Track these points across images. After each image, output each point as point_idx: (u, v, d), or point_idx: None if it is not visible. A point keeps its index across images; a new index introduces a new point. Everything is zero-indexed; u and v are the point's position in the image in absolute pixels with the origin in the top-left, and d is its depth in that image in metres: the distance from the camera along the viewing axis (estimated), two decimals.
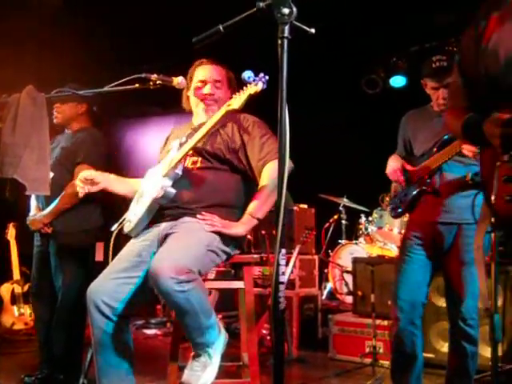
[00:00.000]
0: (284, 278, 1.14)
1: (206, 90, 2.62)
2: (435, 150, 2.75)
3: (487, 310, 2.23)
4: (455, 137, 2.16)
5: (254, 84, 2.21)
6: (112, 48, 5.21)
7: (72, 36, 4.87)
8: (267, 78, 2.18)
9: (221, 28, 1.32)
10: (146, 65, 4.39)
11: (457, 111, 1.76)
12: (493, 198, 1.45)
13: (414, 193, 2.81)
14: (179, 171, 2.40)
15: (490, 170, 1.58)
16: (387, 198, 5.07)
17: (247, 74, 2.20)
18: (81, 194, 2.57)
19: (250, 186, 2.54)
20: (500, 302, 3.40)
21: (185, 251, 2.17)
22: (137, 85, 2.48)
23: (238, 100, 2.29)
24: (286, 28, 1.22)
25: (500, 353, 3.39)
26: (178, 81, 2.55)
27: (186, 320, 2.13)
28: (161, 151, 2.75)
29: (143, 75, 2.47)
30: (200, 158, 2.49)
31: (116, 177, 2.67)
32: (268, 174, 2.40)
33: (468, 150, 2.45)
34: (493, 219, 1.50)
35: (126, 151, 7.45)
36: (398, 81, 6.62)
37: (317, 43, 5.79)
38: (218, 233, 2.33)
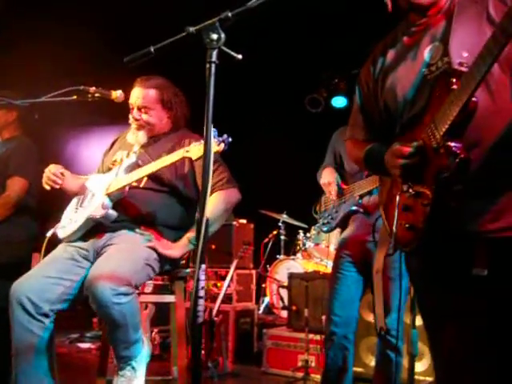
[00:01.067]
0: (203, 293, 1.19)
1: (133, 114, 2.66)
2: (366, 173, 2.89)
3: (381, 329, 2.36)
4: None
5: (217, 144, 2.21)
6: (52, 56, 5.14)
7: (11, 41, 4.79)
8: (230, 139, 2.20)
9: (152, 49, 1.37)
10: (86, 76, 4.37)
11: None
12: (394, 225, 1.54)
13: (346, 211, 2.92)
14: (121, 194, 2.43)
15: (389, 199, 1.68)
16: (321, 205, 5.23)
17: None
18: (48, 188, 2.56)
19: (191, 209, 2.57)
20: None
21: (124, 263, 2.18)
22: (74, 96, 2.49)
23: (197, 152, 2.29)
24: (214, 53, 1.28)
25: (426, 366, 3.54)
26: (117, 94, 2.57)
27: (115, 333, 2.13)
28: (105, 155, 2.75)
29: (81, 87, 2.49)
30: (145, 178, 2.51)
31: (70, 174, 2.66)
32: (213, 204, 2.44)
33: None
34: (392, 244, 1.59)
35: (67, 161, 7.31)
36: (339, 101, 6.82)
37: (263, 62, 5.96)
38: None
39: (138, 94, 2.64)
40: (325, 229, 3.14)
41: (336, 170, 3.13)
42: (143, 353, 2.21)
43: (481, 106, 1.36)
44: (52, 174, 2.51)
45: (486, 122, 1.41)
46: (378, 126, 1.79)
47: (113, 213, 2.39)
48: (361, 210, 2.88)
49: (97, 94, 2.51)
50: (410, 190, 1.50)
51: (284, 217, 5.89)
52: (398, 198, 1.55)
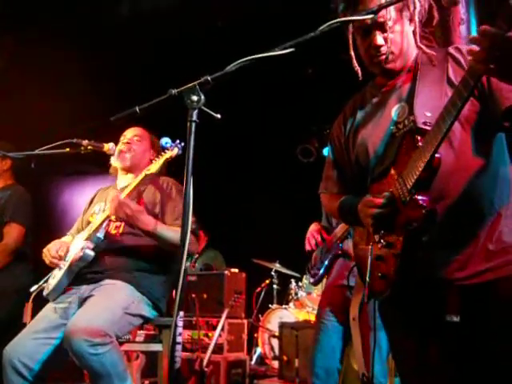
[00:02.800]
0: (180, 339, 1.24)
1: (125, 140, 2.78)
2: None
3: (363, 375, 2.38)
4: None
5: (171, 149, 2.37)
6: (46, 107, 5.29)
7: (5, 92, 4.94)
8: (183, 144, 2.34)
9: (137, 109, 1.47)
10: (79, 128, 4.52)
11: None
12: (367, 275, 1.60)
13: (329, 257, 2.99)
14: (101, 235, 2.48)
15: (362, 249, 1.75)
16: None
17: (164, 141, 2.37)
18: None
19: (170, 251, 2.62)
20: None
21: (101, 314, 2.21)
22: (68, 149, 2.59)
23: (155, 165, 2.45)
24: (195, 113, 1.38)
25: None
26: (109, 147, 2.68)
27: (99, 383, 2.14)
28: (84, 212, 2.82)
29: (74, 140, 2.59)
30: (123, 224, 2.57)
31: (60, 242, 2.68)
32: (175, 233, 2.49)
33: None
34: (365, 292, 1.65)
35: (61, 209, 7.37)
36: None
37: (255, 115, 6.12)
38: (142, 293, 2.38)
39: (133, 129, 2.81)
40: (312, 281, 3.21)
41: (327, 223, 3.23)
42: None
43: (445, 162, 1.45)
44: (52, 257, 2.54)
45: (450, 177, 1.50)
46: (350, 179, 1.89)
47: (89, 252, 2.44)
48: (341, 252, 2.95)
49: (89, 147, 2.62)
50: (382, 241, 1.57)
51: (277, 266, 5.91)
52: (370, 248, 1.62)
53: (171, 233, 2.45)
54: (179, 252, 1.26)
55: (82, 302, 2.40)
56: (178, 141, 2.42)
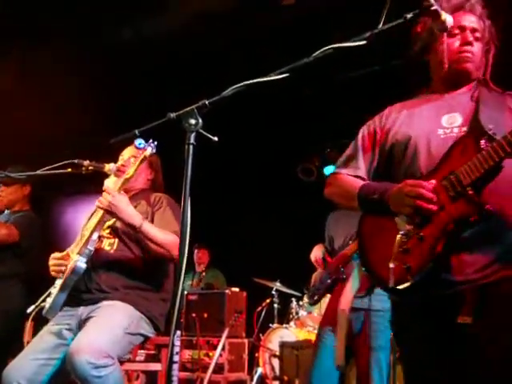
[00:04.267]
0: (177, 358, 1.26)
1: (120, 163, 2.78)
2: (350, 242, 3.03)
3: (339, 366, 2.40)
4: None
5: (143, 150, 2.40)
6: (46, 126, 5.35)
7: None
8: (156, 143, 2.40)
9: (136, 132, 1.51)
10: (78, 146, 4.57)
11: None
12: (391, 264, 1.58)
13: (329, 280, 3.03)
14: (91, 247, 2.47)
15: (375, 238, 1.73)
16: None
17: (138, 142, 2.40)
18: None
19: (165, 265, 2.65)
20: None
21: (103, 336, 2.21)
22: (69, 169, 2.62)
23: (132, 168, 2.46)
24: (192, 136, 1.42)
25: None
26: (110, 167, 2.70)
27: None
28: (83, 228, 2.84)
29: (76, 161, 2.62)
30: (116, 240, 2.59)
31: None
32: (170, 234, 2.52)
33: None
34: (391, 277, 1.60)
35: (64, 228, 7.40)
36: (331, 170, 6.96)
37: (257, 132, 6.17)
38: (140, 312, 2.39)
39: (130, 149, 2.82)
40: (311, 301, 3.25)
41: (329, 246, 3.28)
42: None
43: (505, 173, 1.51)
44: (53, 265, 2.56)
45: (502, 185, 1.55)
46: (371, 170, 1.87)
47: (81, 265, 2.43)
48: (342, 277, 2.98)
49: (90, 167, 2.64)
50: (417, 233, 1.57)
51: (277, 285, 5.90)
52: (398, 237, 1.60)
53: (157, 232, 2.48)
54: (175, 271, 1.28)
55: (81, 323, 2.41)
56: (150, 140, 2.43)
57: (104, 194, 2.42)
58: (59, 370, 2.34)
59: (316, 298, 3.17)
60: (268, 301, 5.99)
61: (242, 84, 1.38)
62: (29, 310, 2.54)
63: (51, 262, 2.56)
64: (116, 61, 4.82)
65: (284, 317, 5.95)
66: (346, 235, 3.10)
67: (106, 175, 2.80)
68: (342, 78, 5.19)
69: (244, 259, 6.50)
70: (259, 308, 5.94)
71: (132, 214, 2.43)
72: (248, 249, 6.70)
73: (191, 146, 1.40)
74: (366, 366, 2.77)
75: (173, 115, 1.44)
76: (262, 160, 6.78)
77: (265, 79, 1.40)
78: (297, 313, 5.50)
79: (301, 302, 5.56)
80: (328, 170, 7.00)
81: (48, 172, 2.61)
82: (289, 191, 7.04)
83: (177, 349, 1.24)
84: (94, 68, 4.84)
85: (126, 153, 2.85)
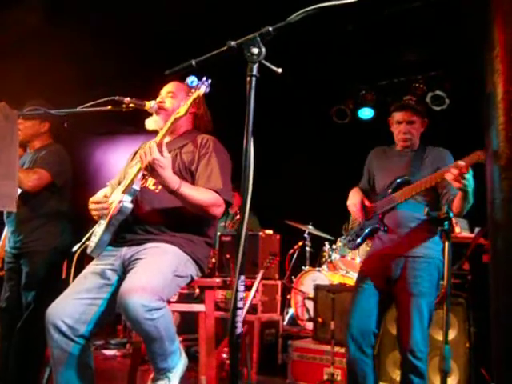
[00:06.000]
0: (241, 304, 1.19)
1: (158, 99, 2.66)
2: (389, 191, 2.92)
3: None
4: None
5: (197, 88, 2.25)
6: (88, 65, 5.23)
7: (47, 54, 4.89)
8: (210, 81, 2.23)
9: (193, 63, 1.39)
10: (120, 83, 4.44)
11: None
12: None
13: (368, 229, 2.96)
14: (136, 186, 2.39)
15: None
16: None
17: (190, 79, 2.23)
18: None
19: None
20: (455, 334, 3.49)
21: (154, 278, 2.16)
22: (109, 107, 2.53)
23: (184, 107, 2.32)
24: (255, 67, 1.29)
25: (455, 382, 3.48)
26: (151, 104, 2.60)
27: (151, 346, 2.13)
28: (125, 167, 2.76)
29: (116, 98, 2.52)
30: None
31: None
32: (209, 192, 2.42)
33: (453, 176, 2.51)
34: None
35: (94, 169, 7.41)
36: (365, 113, 6.81)
37: (291, 72, 5.97)
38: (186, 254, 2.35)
39: (168, 85, 2.69)
40: (350, 246, 3.18)
41: (369, 189, 3.16)
42: (180, 364, 2.21)
43: None
44: (95, 208, 2.49)
45: None
46: None
47: (127, 205, 2.35)
48: (382, 228, 2.90)
49: (131, 105, 2.54)
50: None
51: (310, 228, 5.86)
52: None
53: (195, 193, 2.36)
54: (241, 212, 1.19)
55: (126, 264, 2.37)
56: (204, 78, 2.25)
57: (146, 150, 2.27)
58: (105, 311, 2.33)
59: (355, 245, 3.09)
60: (300, 244, 5.98)
61: (314, 7, 1.24)
62: (74, 249, 2.51)
63: (91, 206, 2.50)
64: None
65: (316, 260, 5.95)
66: (390, 178, 2.96)
67: (141, 114, 2.69)
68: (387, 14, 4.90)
69: (276, 202, 6.44)
70: (291, 251, 5.94)
71: (169, 177, 2.29)
72: (280, 191, 6.63)
73: (254, 79, 1.28)
74: (406, 312, 2.73)
75: (233, 43, 1.32)
76: (295, 100, 6.60)
77: (335, 3, 1.25)
78: (329, 256, 5.48)
79: (334, 246, 5.53)
80: (362, 112, 6.80)
81: (88, 109, 2.52)
82: (322, 133, 6.89)
83: (241, 294, 1.17)
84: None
85: (163, 90, 2.73)
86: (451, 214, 2.31)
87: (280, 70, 1.33)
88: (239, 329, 1.18)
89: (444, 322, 2.27)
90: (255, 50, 1.30)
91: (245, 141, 1.26)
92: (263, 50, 1.30)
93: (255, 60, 1.30)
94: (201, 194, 2.37)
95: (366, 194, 3.12)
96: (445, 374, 2.09)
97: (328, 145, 6.81)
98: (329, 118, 6.98)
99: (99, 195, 2.58)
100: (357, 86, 6.80)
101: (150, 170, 2.26)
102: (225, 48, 1.34)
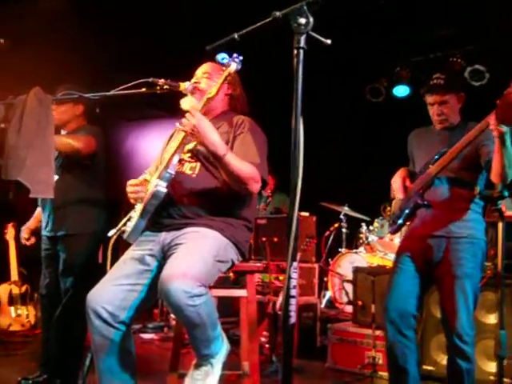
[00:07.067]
0: (294, 292, 1.13)
1: (193, 80, 2.58)
2: (429, 167, 2.79)
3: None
4: None
5: (228, 65, 2.18)
6: (119, 49, 5.20)
7: (76, 39, 4.88)
8: (241, 58, 2.16)
9: (236, 36, 1.31)
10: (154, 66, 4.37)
11: None
12: None
13: (410, 206, 2.84)
14: (171, 171, 2.32)
15: None
16: (389, 208, 5.08)
17: (221, 57, 2.14)
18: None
19: (247, 195, 2.47)
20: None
21: (196, 264, 2.12)
22: (144, 89, 2.47)
23: (215, 86, 2.25)
24: (303, 38, 1.21)
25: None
26: (185, 86, 2.53)
27: (194, 333, 2.09)
28: (162, 152, 2.70)
29: (150, 79, 2.46)
30: (198, 164, 2.43)
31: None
32: (250, 165, 2.33)
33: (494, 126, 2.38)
34: None
35: (126, 154, 7.43)
36: (401, 90, 6.63)
37: (323, 51, 5.82)
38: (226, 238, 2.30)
39: (204, 65, 2.62)
40: (390, 229, 3.08)
41: (413, 167, 3.05)
42: (223, 350, 2.17)
43: None
44: (131, 191, 2.43)
45: None
46: None
47: (161, 189, 2.29)
48: (423, 203, 2.78)
49: (165, 86, 2.48)
50: None
51: (346, 209, 5.76)
52: None
53: (239, 164, 2.27)
54: (290, 195, 1.11)
55: (165, 249, 2.32)
56: (235, 54, 2.18)
57: (188, 115, 2.21)
58: (145, 297, 2.30)
59: (396, 226, 2.98)
60: (336, 225, 5.89)
61: None
62: (110, 234, 2.47)
63: (129, 188, 2.45)
64: None
65: (352, 242, 5.85)
66: (428, 157, 2.85)
67: (172, 96, 2.62)
68: None
69: (310, 183, 6.34)
70: (327, 233, 5.85)
71: (217, 141, 2.22)
72: (314, 172, 6.52)
73: (301, 51, 1.20)
74: (450, 295, 2.63)
75: (278, 14, 1.23)
76: (327, 79, 6.45)
77: None
78: (366, 238, 5.38)
79: (371, 227, 5.42)
80: (398, 90, 6.62)
81: (122, 92, 2.48)
82: (356, 112, 6.73)
83: (294, 282, 1.10)
84: None
85: (199, 71, 2.65)
86: (506, 193, 2.18)
87: (329, 42, 1.24)
88: (293, 318, 1.11)
89: (495, 305, 2.15)
90: (302, 20, 1.21)
91: (293, 119, 1.18)
92: (311, 20, 1.21)
93: (302, 31, 1.21)
94: (243, 165, 2.28)
95: (412, 176, 3.01)
96: (501, 360, 2.00)
97: (362, 124, 6.65)
98: (363, 96, 6.82)
99: (131, 182, 2.53)
100: (391, 63, 6.61)
101: (194, 135, 2.20)
102: (269, 19, 1.25)
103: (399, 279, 2.76)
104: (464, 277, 2.62)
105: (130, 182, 2.47)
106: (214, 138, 2.22)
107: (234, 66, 2.16)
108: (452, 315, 2.59)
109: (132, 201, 2.46)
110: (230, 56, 2.15)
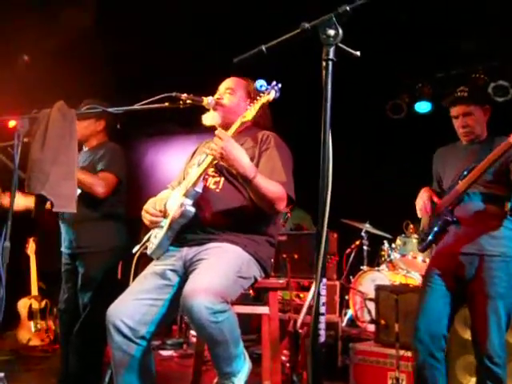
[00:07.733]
0: (324, 310, 1.09)
1: (216, 96, 2.58)
2: (460, 181, 2.73)
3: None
4: None
5: (267, 93, 2.17)
6: (140, 65, 5.24)
7: (101, 54, 4.93)
8: (280, 85, 2.15)
9: (263, 48, 1.29)
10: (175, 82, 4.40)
11: None
12: None
13: (439, 223, 2.78)
14: (199, 189, 2.32)
15: None
16: (411, 226, 5.00)
17: (259, 83, 2.15)
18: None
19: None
20: None
21: (218, 279, 2.09)
22: (167, 104, 2.47)
23: (251, 111, 2.24)
24: (331, 50, 1.18)
25: None
26: (208, 101, 2.53)
27: (216, 350, 2.07)
28: (185, 167, 2.69)
29: (173, 94, 2.46)
30: (222, 179, 2.42)
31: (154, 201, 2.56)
32: (277, 185, 2.32)
33: None
34: None
35: (146, 170, 7.46)
36: (423, 106, 6.58)
37: (344, 66, 5.81)
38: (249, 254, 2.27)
39: (227, 80, 2.62)
40: (420, 247, 3.00)
41: (438, 187, 3.00)
42: (245, 368, 2.13)
43: None
44: (151, 215, 2.44)
45: None
46: None
47: (190, 209, 2.29)
48: (452, 219, 2.71)
49: (188, 101, 2.48)
50: None
51: (367, 226, 5.68)
52: None
53: (268, 184, 2.24)
54: (318, 212, 1.08)
55: (187, 265, 2.30)
56: (274, 82, 2.18)
57: (216, 139, 2.20)
58: (166, 312, 2.28)
59: (426, 244, 2.91)
60: (357, 243, 5.81)
61: None
62: (134, 250, 2.46)
63: (145, 215, 2.45)
64: None
65: (373, 259, 5.77)
66: (456, 173, 2.79)
67: (198, 108, 2.61)
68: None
69: (331, 200, 6.28)
70: (348, 250, 5.78)
71: (246, 164, 2.20)
72: (335, 189, 6.46)
73: (330, 63, 1.17)
74: (482, 315, 2.56)
75: (307, 25, 1.21)
76: (348, 95, 6.43)
77: None
78: (389, 255, 5.29)
79: (393, 245, 5.33)
80: (420, 106, 6.57)
81: (146, 107, 2.47)
82: (377, 129, 6.68)
83: (323, 299, 1.06)
84: None
85: (222, 86, 2.65)
86: None
87: (359, 54, 1.22)
88: (322, 337, 1.07)
89: None
90: (331, 32, 1.19)
91: (323, 132, 1.15)
92: (340, 31, 1.19)
93: (331, 43, 1.19)
94: (271, 185, 2.27)
95: (437, 195, 2.95)
96: None
97: (384, 140, 6.60)
98: (384, 112, 6.78)
99: (154, 201, 2.51)
100: (413, 79, 6.57)
101: (226, 156, 2.17)
102: (298, 31, 1.23)
103: (430, 298, 2.70)
104: (497, 297, 2.55)
105: (146, 208, 2.46)
106: (244, 161, 2.20)
107: (272, 94, 2.16)
108: (483, 336, 2.51)
109: (148, 224, 2.45)
110: (269, 83, 2.14)
